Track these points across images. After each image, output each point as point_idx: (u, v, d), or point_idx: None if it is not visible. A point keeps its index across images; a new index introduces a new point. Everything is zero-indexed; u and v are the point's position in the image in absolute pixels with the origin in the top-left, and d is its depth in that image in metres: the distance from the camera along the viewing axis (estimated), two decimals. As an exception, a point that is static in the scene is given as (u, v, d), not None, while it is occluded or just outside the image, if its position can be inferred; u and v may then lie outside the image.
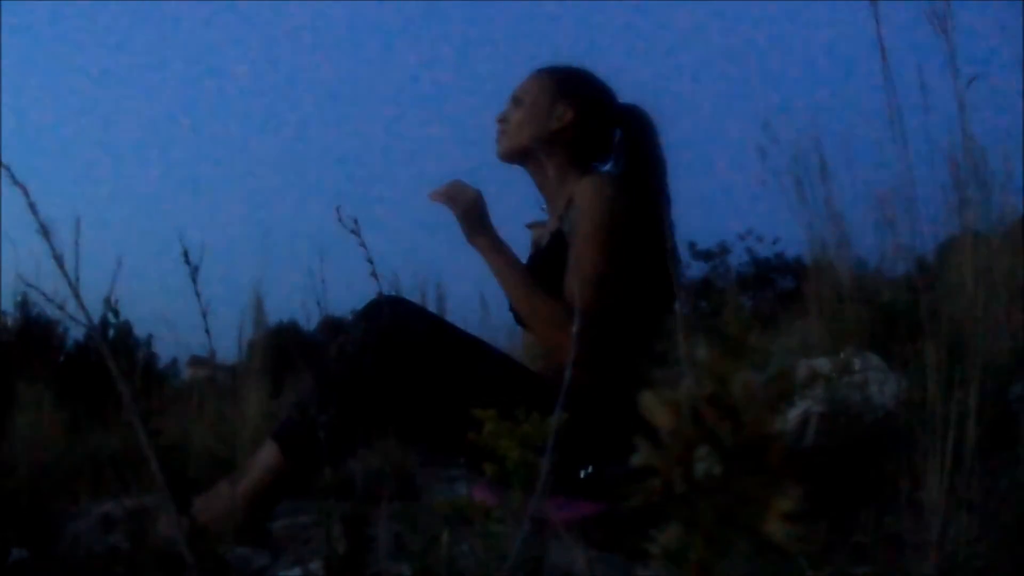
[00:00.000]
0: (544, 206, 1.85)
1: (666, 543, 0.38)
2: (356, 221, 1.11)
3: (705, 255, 12.91)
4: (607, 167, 1.82)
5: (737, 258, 13.03)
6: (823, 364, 1.82)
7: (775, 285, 12.00)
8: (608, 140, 1.82)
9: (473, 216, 1.64)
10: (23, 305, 3.94)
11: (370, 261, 1.13)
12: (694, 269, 12.58)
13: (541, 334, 1.61)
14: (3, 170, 0.56)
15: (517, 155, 1.79)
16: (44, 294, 0.65)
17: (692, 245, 12.55)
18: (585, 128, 1.78)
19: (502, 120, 1.81)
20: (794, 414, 1.70)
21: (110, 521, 1.50)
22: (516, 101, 1.80)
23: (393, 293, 1.75)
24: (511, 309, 1.85)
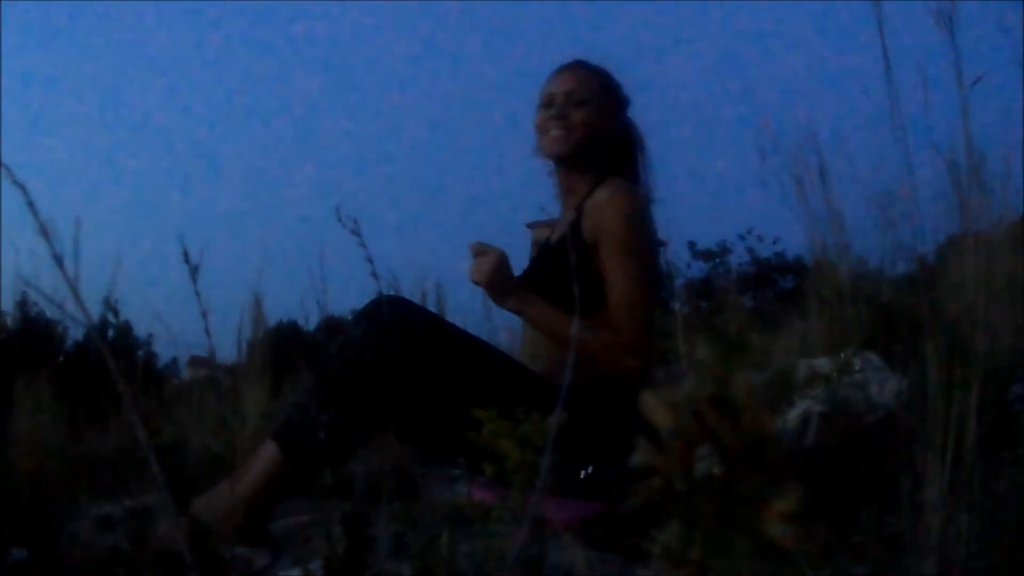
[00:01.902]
0: (557, 203, 1.87)
1: (666, 543, 0.38)
2: (356, 221, 1.11)
3: (705, 255, 12.91)
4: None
5: (737, 258, 13.04)
6: (823, 364, 1.82)
7: (775, 285, 12.01)
8: (626, 151, 1.87)
9: (496, 283, 1.64)
10: (23, 305, 3.93)
11: (370, 261, 1.13)
12: (694, 269, 12.60)
13: (610, 361, 1.60)
14: (3, 170, 0.56)
15: (577, 154, 1.79)
16: (44, 294, 0.65)
17: (692, 245, 12.58)
18: (623, 136, 1.86)
19: (564, 117, 1.78)
20: (794, 414, 1.70)
21: (110, 521, 1.50)
22: (579, 101, 1.79)
23: (393, 293, 1.75)
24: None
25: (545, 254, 1.84)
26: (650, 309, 1.65)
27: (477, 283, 1.66)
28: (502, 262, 1.64)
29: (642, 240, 1.67)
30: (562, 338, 1.63)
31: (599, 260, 1.66)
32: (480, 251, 1.66)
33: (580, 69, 1.85)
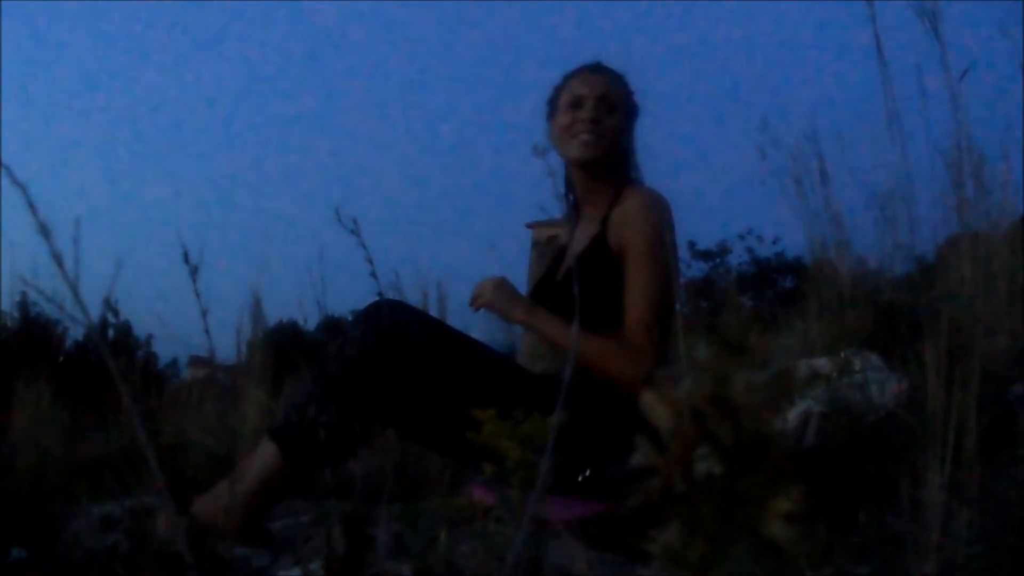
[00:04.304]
0: (567, 208, 1.86)
1: (666, 543, 0.38)
2: (356, 221, 1.11)
3: (705, 255, 12.93)
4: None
5: (737, 258, 13.06)
6: (823, 364, 1.82)
7: (775, 285, 12.02)
8: (633, 156, 1.86)
9: (500, 299, 1.68)
10: (23, 305, 3.94)
11: (370, 261, 1.13)
12: (694, 269, 12.62)
13: (614, 371, 1.58)
14: (3, 170, 0.56)
15: (604, 161, 1.76)
16: (44, 294, 0.65)
17: (692, 245, 12.60)
18: (633, 142, 1.84)
19: (598, 122, 1.74)
20: (794, 414, 1.70)
21: (110, 521, 1.50)
22: (611, 106, 1.76)
23: (393, 294, 1.75)
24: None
25: (555, 261, 1.82)
26: (663, 321, 1.63)
27: (483, 305, 1.70)
28: (502, 281, 1.69)
29: (666, 252, 1.65)
30: (564, 347, 1.63)
31: (624, 268, 1.65)
32: (481, 286, 1.72)
33: (608, 73, 1.82)
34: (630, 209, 1.67)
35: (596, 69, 1.83)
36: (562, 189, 1.85)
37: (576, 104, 1.77)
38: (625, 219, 1.67)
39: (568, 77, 1.85)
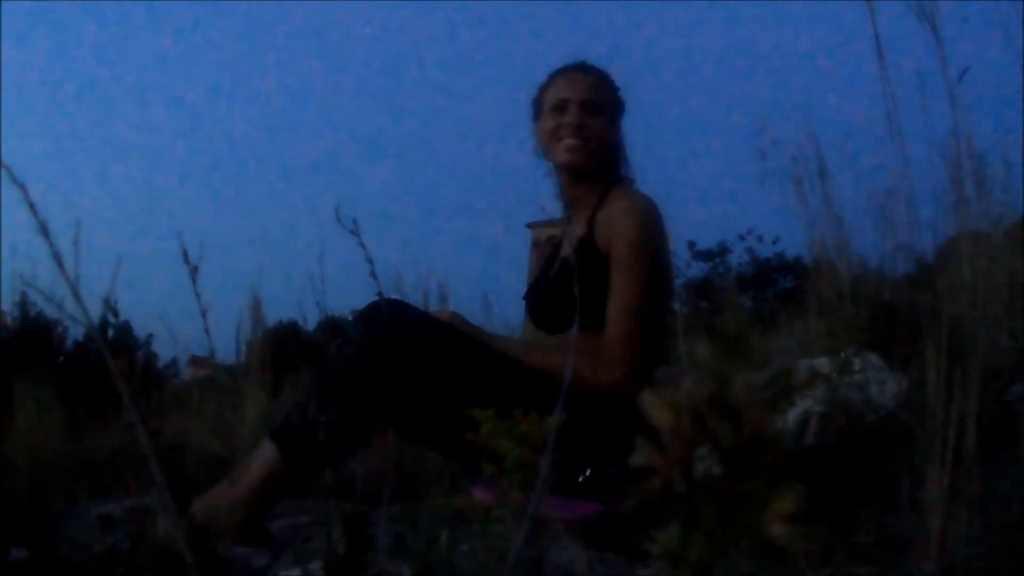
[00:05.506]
0: (562, 209, 1.85)
1: (666, 543, 0.38)
2: (356, 221, 1.11)
3: (705, 255, 12.94)
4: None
5: (737, 258, 13.07)
6: (823, 364, 1.82)
7: (775, 285, 12.03)
8: (622, 155, 1.85)
9: (458, 320, 1.68)
10: (23, 305, 3.94)
11: (370, 261, 1.13)
12: (694, 269, 12.63)
13: (587, 383, 1.55)
14: (3, 170, 0.56)
15: (589, 164, 1.74)
16: (44, 294, 0.65)
17: (692, 245, 12.61)
18: (621, 142, 1.83)
19: (582, 126, 1.72)
20: (794, 414, 1.70)
21: (110, 521, 1.50)
22: (596, 109, 1.74)
23: (394, 294, 1.76)
24: (529, 311, 1.86)
25: (559, 269, 1.81)
26: (649, 326, 1.61)
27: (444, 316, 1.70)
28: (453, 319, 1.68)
29: (653, 255, 1.63)
30: (533, 366, 1.60)
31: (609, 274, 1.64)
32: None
33: (592, 74, 1.79)
34: (614, 214, 1.65)
35: (579, 69, 1.80)
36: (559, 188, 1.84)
37: (560, 108, 1.74)
38: (610, 224, 1.65)
39: (552, 78, 1.82)
